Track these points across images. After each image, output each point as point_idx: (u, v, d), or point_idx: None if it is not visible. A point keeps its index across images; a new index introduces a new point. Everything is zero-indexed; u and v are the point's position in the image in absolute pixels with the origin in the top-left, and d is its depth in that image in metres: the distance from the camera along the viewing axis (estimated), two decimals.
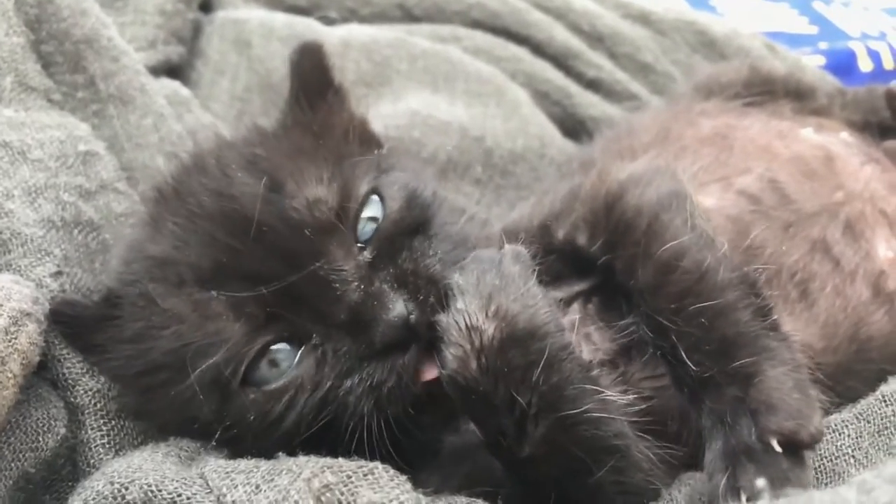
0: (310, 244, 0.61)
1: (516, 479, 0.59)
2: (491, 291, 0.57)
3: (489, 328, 0.56)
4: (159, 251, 0.63)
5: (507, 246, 0.62)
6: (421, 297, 0.60)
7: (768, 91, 1.02)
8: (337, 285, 0.59)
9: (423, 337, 0.59)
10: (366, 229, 0.64)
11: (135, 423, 0.67)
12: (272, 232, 0.61)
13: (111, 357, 0.65)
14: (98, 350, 0.66)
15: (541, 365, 0.55)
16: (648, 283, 0.63)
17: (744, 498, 0.53)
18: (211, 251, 0.61)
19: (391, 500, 0.51)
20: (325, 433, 0.60)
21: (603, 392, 0.58)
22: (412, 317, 0.58)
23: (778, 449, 0.54)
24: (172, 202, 0.66)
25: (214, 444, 0.62)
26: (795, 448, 0.54)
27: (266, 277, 0.59)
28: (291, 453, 0.57)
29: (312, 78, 0.77)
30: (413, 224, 0.66)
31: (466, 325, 0.56)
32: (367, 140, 0.77)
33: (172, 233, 0.63)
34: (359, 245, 0.63)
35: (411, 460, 0.59)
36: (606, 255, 0.66)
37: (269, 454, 0.58)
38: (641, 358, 0.67)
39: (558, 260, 0.70)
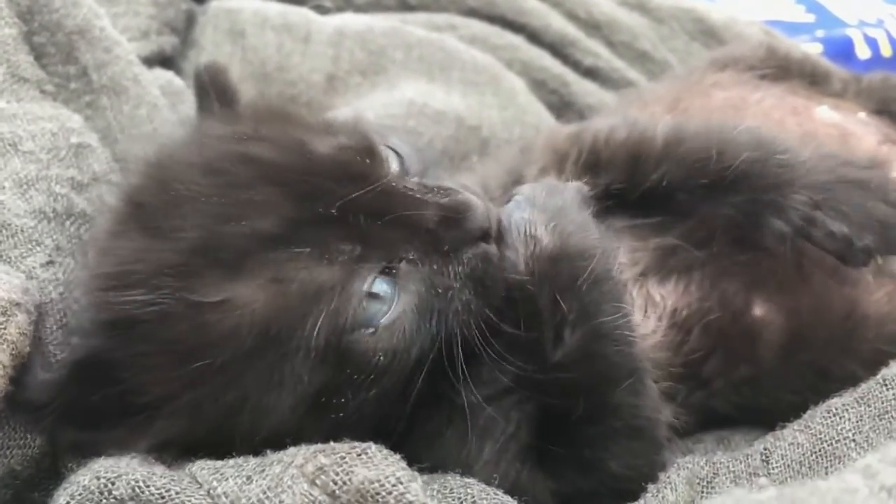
0: (370, 167, 0.61)
1: (541, 390, 0.61)
2: (555, 210, 0.63)
3: (545, 239, 0.61)
4: (193, 240, 0.56)
5: (571, 182, 0.69)
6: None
7: (783, 68, 1.02)
8: (419, 196, 0.60)
9: None
10: None
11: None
12: (326, 170, 0.59)
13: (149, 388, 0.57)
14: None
15: (585, 277, 0.60)
16: (659, 153, 0.71)
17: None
18: (269, 210, 0.56)
19: (387, 477, 0.50)
20: (438, 364, 0.59)
21: (632, 314, 0.64)
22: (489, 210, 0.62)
23: None
24: (162, 202, 0.60)
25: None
26: None
27: (357, 210, 0.57)
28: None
29: (223, 90, 0.77)
30: (422, 168, 0.68)
31: (527, 232, 0.61)
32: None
33: (200, 217, 0.57)
34: None
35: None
36: (589, 176, 0.72)
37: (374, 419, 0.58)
38: None
39: None
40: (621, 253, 0.72)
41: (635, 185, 0.73)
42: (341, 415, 0.58)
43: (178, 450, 0.58)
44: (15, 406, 0.59)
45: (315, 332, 0.55)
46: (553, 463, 0.62)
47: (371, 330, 0.57)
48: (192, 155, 0.63)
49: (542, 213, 0.62)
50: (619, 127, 0.76)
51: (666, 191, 0.72)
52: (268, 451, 0.55)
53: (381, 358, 0.57)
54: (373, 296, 0.57)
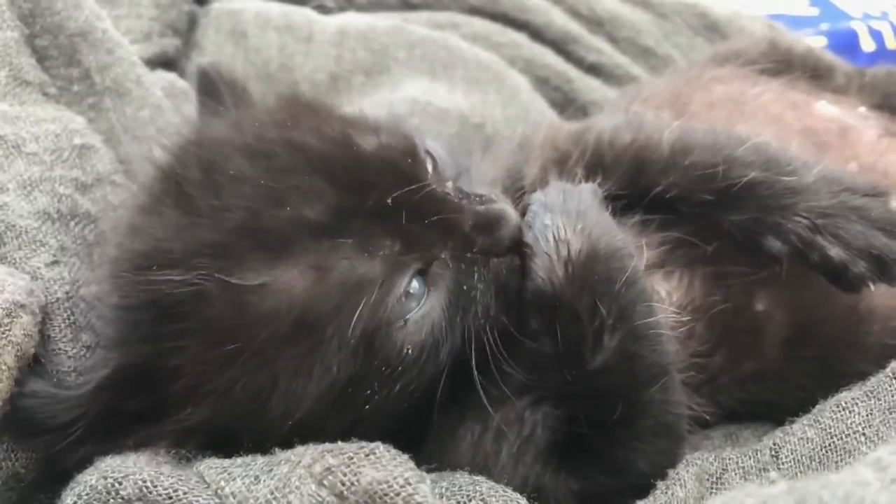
0: (412, 168, 0.61)
1: (576, 394, 0.61)
2: (577, 212, 0.62)
3: (576, 242, 0.60)
4: (237, 221, 0.56)
5: (583, 183, 0.68)
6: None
7: (785, 65, 1.01)
8: (456, 202, 0.61)
9: None
10: None
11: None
12: (372, 166, 0.59)
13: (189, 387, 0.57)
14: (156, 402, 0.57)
15: (622, 279, 0.60)
16: (665, 162, 0.71)
17: None
18: (315, 198, 0.57)
19: (395, 478, 0.50)
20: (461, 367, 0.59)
21: (662, 311, 0.64)
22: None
23: None
24: (202, 180, 0.59)
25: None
26: None
27: (401, 208, 0.58)
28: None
29: (234, 86, 0.77)
30: (456, 172, 0.68)
31: (555, 237, 0.60)
32: None
33: (246, 198, 0.57)
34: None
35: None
36: (591, 177, 0.71)
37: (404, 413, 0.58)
38: None
39: None
40: None
41: (638, 192, 0.72)
42: (366, 407, 0.58)
43: (201, 438, 0.58)
44: (26, 432, 0.58)
45: (352, 324, 0.55)
46: (578, 464, 0.62)
47: (401, 323, 0.58)
48: (234, 137, 0.62)
49: (565, 216, 0.62)
50: (623, 129, 0.76)
51: (668, 202, 0.72)
52: (276, 450, 0.55)
53: (410, 351, 0.58)
54: (408, 294, 0.58)
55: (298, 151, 0.59)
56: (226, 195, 0.57)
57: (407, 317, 0.58)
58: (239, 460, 0.54)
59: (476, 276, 0.60)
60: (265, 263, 0.56)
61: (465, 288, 0.60)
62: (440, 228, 0.59)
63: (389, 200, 0.58)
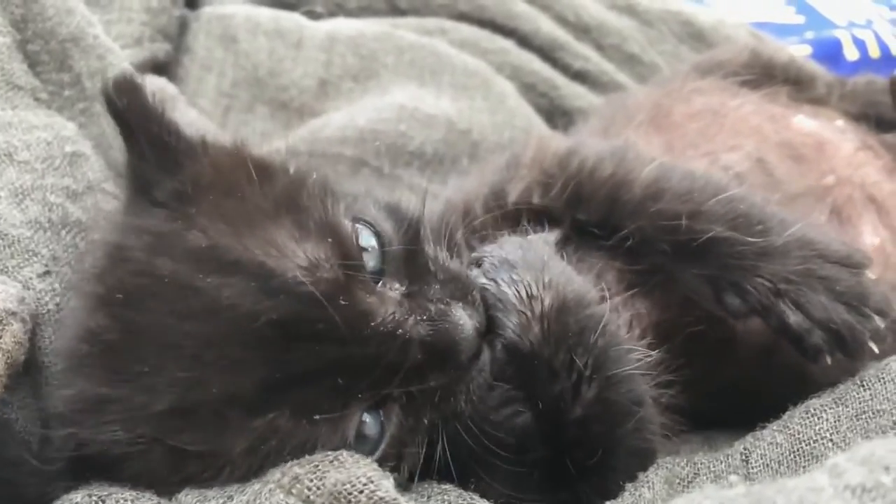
0: (348, 310, 0.54)
1: (556, 446, 0.61)
2: (541, 265, 0.61)
3: (546, 297, 0.59)
4: (167, 403, 0.53)
5: (532, 234, 0.67)
6: (469, 298, 0.59)
7: (767, 75, 1.02)
8: (400, 331, 0.55)
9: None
10: (370, 261, 0.59)
11: None
12: (299, 318, 0.53)
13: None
14: None
15: (593, 329, 0.60)
16: (634, 205, 0.70)
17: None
18: (244, 373, 0.53)
19: (358, 477, 0.51)
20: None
21: (635, 350, 0.63)
22: (477, 323, 0.58)
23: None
24: (129, 350, 0.55)
25: None
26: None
27: (332, 366, 0.53)
28: None
29: (148, 125, 0.65)
30: (408, 236, 0.63)
31: (527, 293, 0.59)
32: (270, 168, 0.64)
33: (171, 379, 0.53)
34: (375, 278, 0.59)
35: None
36: (571, 209, 0.72)
37: None
38: None
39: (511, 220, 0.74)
40: (607, 272, 0.72)
41: (609, 232, 0.72)
42: None
43: None
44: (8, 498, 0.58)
45: None
46: (546, 485, 0.62)
47: None
48: (156, 295, 0.56)
49: (527, 270, 0.60)
50: (606, 159, 0.75)
51: (634, 247, 0.71)
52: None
53: None
54: (360, 438, 0.56)
55: (217, 315, 0.53)
56: (151, 366, 0.54)
57: None
58: (216, 489, 0.55)
59: (438, 410, 0.57)
60: (204, 436, 0.53)
61: (427, 421, 0.57)
62: (384, 371, 0.54)
63: (319, 358, 0.53)
